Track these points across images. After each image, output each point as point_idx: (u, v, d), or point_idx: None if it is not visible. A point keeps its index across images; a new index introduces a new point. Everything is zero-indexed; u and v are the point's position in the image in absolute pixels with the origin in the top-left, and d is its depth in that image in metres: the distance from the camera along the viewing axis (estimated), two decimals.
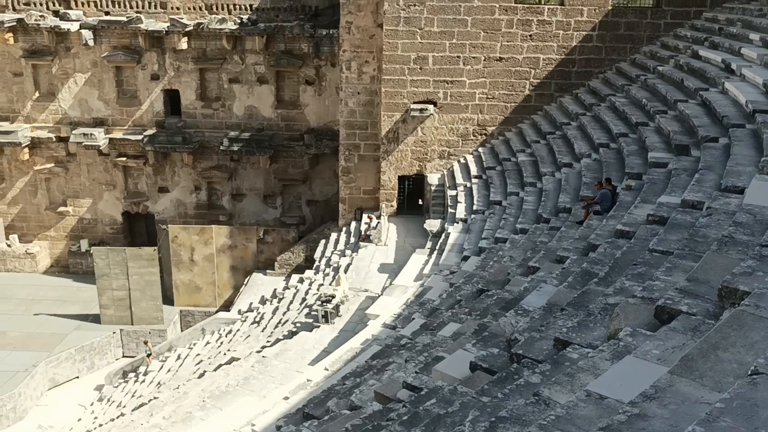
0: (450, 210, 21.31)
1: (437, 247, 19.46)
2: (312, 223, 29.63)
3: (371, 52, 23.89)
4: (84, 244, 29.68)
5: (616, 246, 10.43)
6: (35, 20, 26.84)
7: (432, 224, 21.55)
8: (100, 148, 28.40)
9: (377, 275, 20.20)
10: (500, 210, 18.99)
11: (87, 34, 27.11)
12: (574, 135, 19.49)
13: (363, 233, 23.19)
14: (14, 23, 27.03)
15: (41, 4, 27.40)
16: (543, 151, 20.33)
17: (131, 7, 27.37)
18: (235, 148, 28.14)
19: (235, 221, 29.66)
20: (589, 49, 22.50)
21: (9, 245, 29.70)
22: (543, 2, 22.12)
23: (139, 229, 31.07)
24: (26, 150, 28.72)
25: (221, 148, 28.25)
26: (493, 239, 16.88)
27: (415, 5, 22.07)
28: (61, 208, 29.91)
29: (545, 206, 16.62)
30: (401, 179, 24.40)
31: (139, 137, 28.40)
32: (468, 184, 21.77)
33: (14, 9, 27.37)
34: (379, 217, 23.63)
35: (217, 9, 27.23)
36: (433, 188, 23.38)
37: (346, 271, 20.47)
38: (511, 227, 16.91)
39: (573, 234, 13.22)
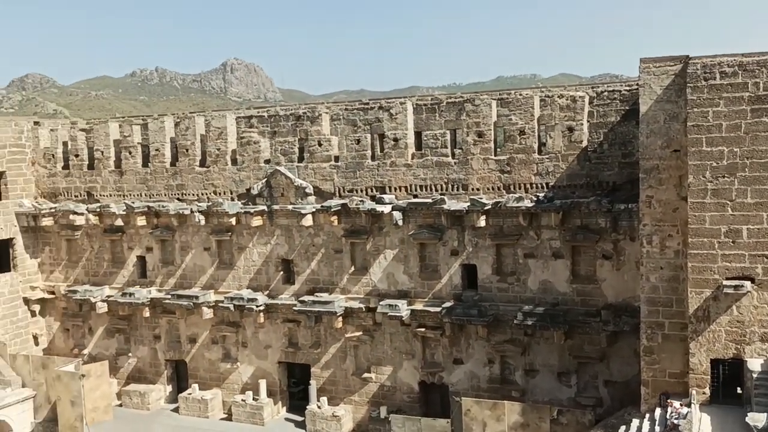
0: None
1: None
2: (610, 405, 27.59)
3: (675, 225, 22.72)
4: (383, 411, 31.01)
5: None
6: (356, 205, 30.57)
7: (756, 418, 18.68)
8: (403, 318, 30.27)
9: None
10: None
11: (397, 215, 30.02)
12: None
13: (670, 422, 20.86)
14: (339, 208, 31.09)
15: (361, 191, 31.25)
16: None
17: (436, 190, 29.90)
18: (529, 323, 27.97)
19: (528, 398, 28.84)
20: None
21: (319, 407, 32.21)
22: None
23: (433, 399, 31.72)
24: (340, 319, 31.72)
25: (515, 321, 28.30)
26: None
27: (724, 177, 20.81)
28: (365, 375, 31.98)
29: None
30: (714, 363, 21.83)
31: (438, 309, 29.75)
32: None
33: (340, 196, 31.60)
34: (688, 405, 21.18)
35: (514, 188, 28.50)
36: (755, 376, 20.48)
37: None
38: None
39: None
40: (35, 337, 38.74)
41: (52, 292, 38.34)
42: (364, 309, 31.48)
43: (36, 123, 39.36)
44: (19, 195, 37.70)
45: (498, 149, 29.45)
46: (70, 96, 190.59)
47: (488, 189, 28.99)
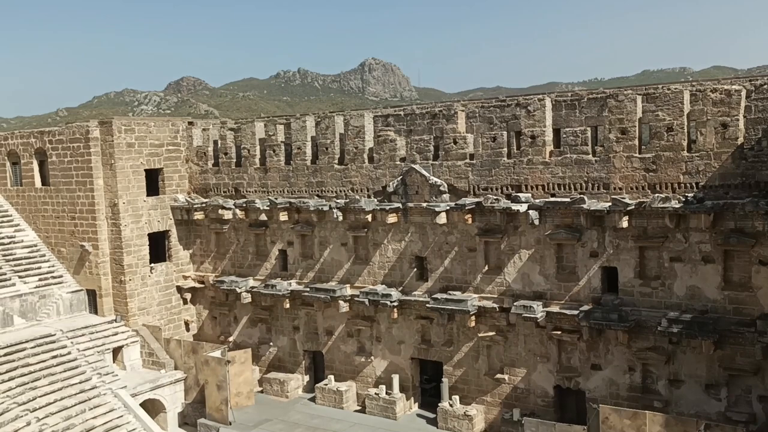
0: None
1: None
2: (765, 422, 25.60)
3: None
4: (516, 414, 30.49)
5: None
6: (490, 203, 30.23)
7: None
8: (538, 320, 29.61)
9: None
10: None
11: (533, 214, 29.37)
12: None
13: None
14: (473, 206, 30.88)
15: (496, 189, 30.87)
16: None
17: (575, 189, 28.95)
18: (675, 330, 26.46)
19: (671, 409, 27.33)
20: None
21: (451, 405, 32.19)
22: None
23: (569, 405, 30.79)
24: (473, 318, 31.52)
25: (659, 328, 26.87)
26: None
27: None
28: (498, 375, 31.58)
29: None
30: None
31: (575, 312, 28.82)
32: None
33: (474, 194, 31.38)
34: None
35: (660, 188, 27.06)
36: None
37: None
38: None
39: None
40: (186, 324, 41.50)
41: (202, 282, 40.92)
42: (497, 309, 31.09)
43: (190, 123, 42.10)
44: (174, 190, 40.50)
45: (643, 147, 28.05)
46: (220, 97, 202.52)
47: (631, 188, 27.70)
